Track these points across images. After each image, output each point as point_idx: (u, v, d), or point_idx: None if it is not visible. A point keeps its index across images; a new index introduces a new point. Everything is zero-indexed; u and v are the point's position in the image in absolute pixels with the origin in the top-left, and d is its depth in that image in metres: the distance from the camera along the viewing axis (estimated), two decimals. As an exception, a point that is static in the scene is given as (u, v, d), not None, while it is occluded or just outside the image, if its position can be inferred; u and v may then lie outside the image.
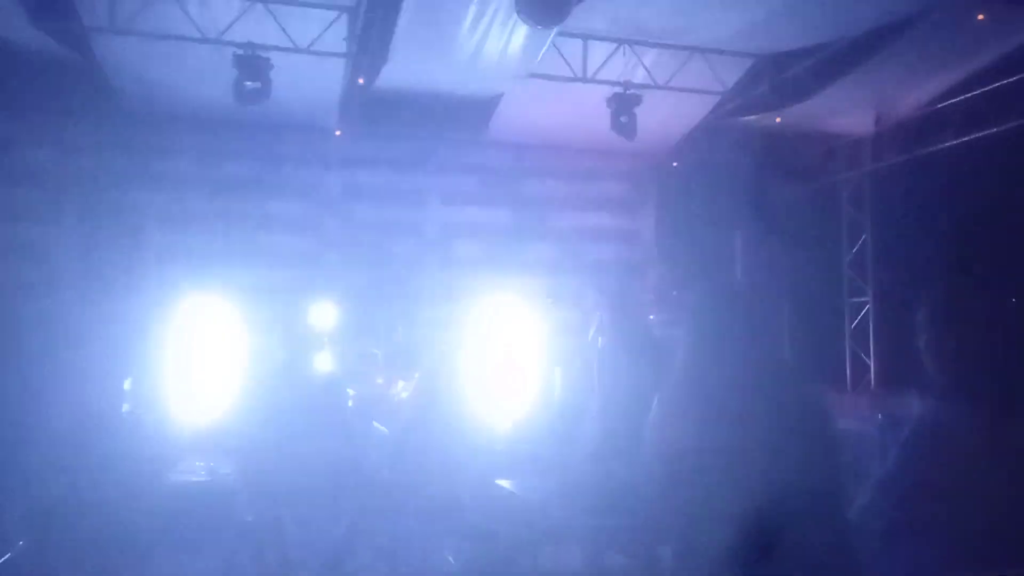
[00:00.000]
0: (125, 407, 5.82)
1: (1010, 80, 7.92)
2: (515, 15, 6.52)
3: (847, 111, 9.06)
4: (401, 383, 8.07)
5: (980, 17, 6.91)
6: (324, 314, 5.13)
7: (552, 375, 8.01)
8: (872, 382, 10.01)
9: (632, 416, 3.14)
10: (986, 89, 8.20)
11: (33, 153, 9.11)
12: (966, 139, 8.51)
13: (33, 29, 7.34)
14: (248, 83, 7.41)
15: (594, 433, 3.74)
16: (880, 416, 5.83)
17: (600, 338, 4.07)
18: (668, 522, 2.44)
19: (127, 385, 5.92)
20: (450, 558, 5.11)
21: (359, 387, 6.78)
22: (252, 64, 7.41)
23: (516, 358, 7.96)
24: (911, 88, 8.63)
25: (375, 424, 6.28)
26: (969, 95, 8.39)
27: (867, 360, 10.20)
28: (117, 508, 5.46)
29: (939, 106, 8.74)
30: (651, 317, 8.15)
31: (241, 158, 9.77)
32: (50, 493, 5.08)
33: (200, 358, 7.70)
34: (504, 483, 3.91)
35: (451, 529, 5.21)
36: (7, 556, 4.70)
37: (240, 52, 7.40)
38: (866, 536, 2.35)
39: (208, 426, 7.62)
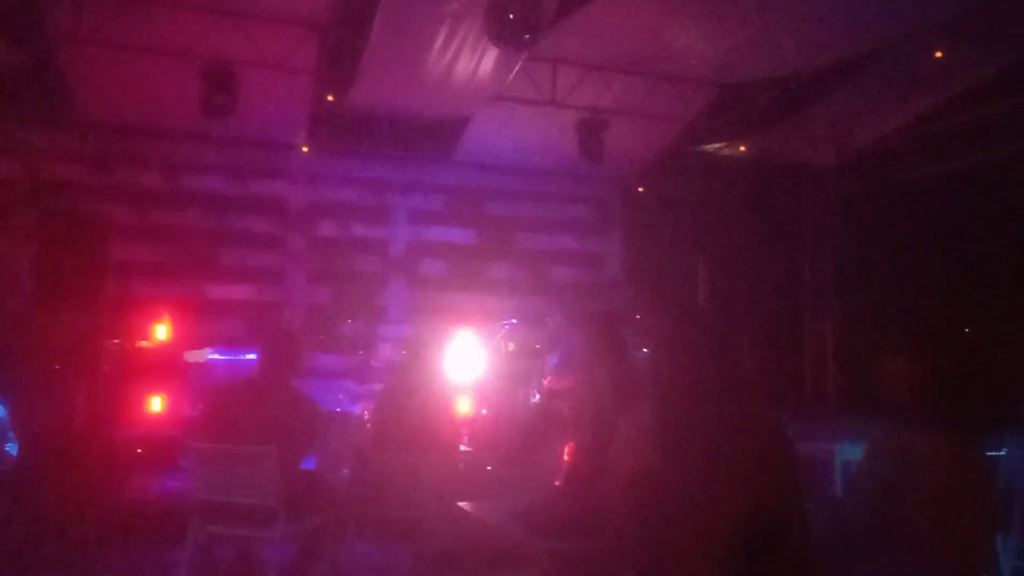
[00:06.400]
0: (78, 422, 5.70)
1: (966, 117, 8.14)
2: (486, 38, 6.57)
3: (810, 141, 9.24)
4: (363, 402, 8.01)
5: (938, 54, 7.10)
6: (297, 333, 5.10)
7: (516, 395, 8.00)
8: (831, 407, 10.13)
9: (597, 438, 3.14)
10: (944, 124, 8.41)
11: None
12: (924, 172, 8.72)
13: (-3, 37, 7.24)
14: (215, 97, 7.35)
15: (559, 454, 3.74)
16: (839, 440, 5.90)
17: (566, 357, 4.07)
18: (632, 546, 2.44)
19: (81, 401, 5.79)
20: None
21: (322, 405, 6.72)
22: (220, 78, 7.36)
23: (479, 378, 7.92)
24: (872, 121, 8.82)
25: (335, 443, 6.22)
26: (926, 129, 8.60)
27: (827, 385, 10.33)
28: (70, 525, 5.33)
29: (898, 139, 8.94)
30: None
31: (206, 172, 9.69)
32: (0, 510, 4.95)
33: (157, 372, 7.57)
34: (465, 505, 3.87)
35: (411, 551, 5.15)
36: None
37: (208, 66, 7.34)
38: (826, 559, 2.37)
39: (163, 442, 7.47)
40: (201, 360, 8.19)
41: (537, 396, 7.86)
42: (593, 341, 3.98)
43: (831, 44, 7.28)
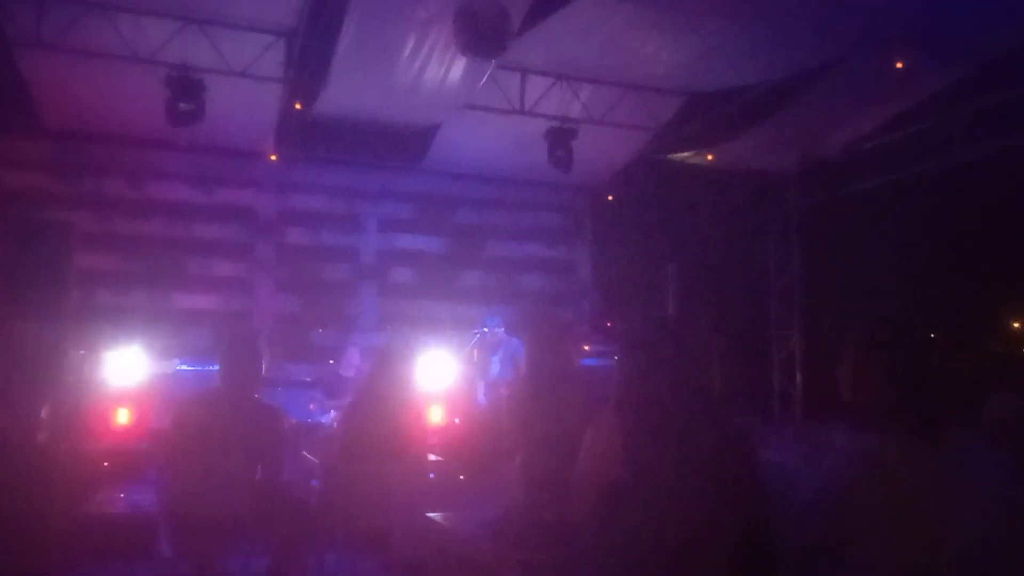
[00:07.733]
0: (41, 435, 5.59)
1: (928, 125, 8.30)
2: (454, 47, 6.58)
3: (774, 150, 9.35)
4: (333, 412, 7.95)
5: (898, 64, 7.22)
6: (255, 340, 5.02)
7: (482, 403, 8.00)
8: (798, 413, 10.23)
9: (562, 447, 3.15)
10: (905, 132, 8.56)
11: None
12: (886, 180, 8.87)
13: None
14: (181, 104, 7.28)
15: (524, 463, 3.74)
16: (805, 447, 5.97)
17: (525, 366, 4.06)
18: (599, 556, 2.45)
19: (44, 413, 5.68)
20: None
21: (291, 415, 6.66)
22: (185, 85, 7.29)
23: (450, 387, 7.90)
24: (834, 129, 8.95)
25: (304, 454, 6.16)
26: (889, 138, 8.75)
27: (793, 391, 10.43)
28: (32, 541, 5.23)
29: (861, 148, 9.08)
30: (585, 347, 8.24)
31: (172, 180, 9.60)
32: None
33: (123, 385, 7.45)
34: (434, 516, 3.87)
35: (381, 562, 5.13)
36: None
37: (173, 73, 7.27)
38: (793, 565, 2.40)
39: (130, 456, 7.36)
40: (169, 371, 8.09)
41: (483, 397, 7.91)
42: (532, 345, 3.97)
43: (794, 54, 7.39)
